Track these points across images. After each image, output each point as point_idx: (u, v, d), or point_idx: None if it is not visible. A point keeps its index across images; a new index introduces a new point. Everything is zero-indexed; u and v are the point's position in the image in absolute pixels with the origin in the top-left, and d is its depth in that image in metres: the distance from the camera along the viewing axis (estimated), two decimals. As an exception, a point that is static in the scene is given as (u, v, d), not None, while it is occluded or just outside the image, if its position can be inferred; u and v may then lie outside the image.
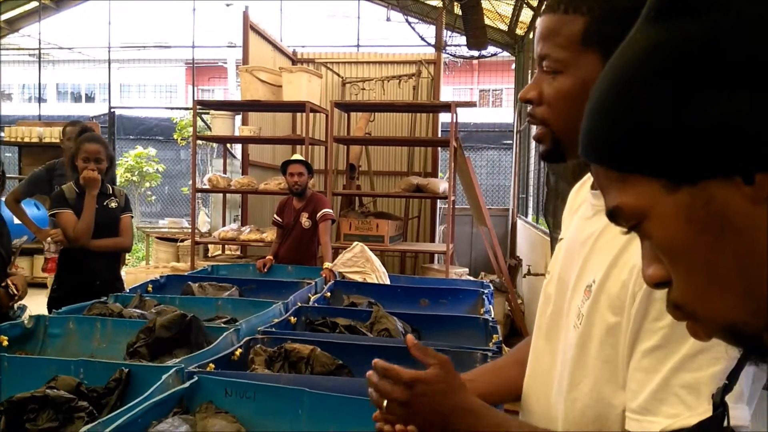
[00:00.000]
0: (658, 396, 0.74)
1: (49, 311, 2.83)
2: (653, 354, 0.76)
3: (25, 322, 2.26)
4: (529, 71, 7.77)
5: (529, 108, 0.94)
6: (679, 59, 0.46)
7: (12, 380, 1.68)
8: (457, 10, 5.91)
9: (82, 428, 1.35)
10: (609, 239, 0.86)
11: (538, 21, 0.92)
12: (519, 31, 7.78)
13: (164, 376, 1.62)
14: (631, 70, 0.49)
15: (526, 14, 7.07)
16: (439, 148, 7.61)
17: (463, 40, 6.20)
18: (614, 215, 0.53)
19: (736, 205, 0.45)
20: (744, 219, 0.45)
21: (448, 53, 6.83)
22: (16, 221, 4.35)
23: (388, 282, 3.80)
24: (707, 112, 0.44)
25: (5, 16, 9.99)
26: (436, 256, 6.72)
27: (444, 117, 7.28)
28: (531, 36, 7.04)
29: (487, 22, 5.87)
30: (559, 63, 0.87)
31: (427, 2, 7.81)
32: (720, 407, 0.57)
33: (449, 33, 6.78)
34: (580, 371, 0.87)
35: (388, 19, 9.36)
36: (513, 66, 9.76)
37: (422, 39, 6.62)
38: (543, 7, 0.93)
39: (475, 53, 6.29)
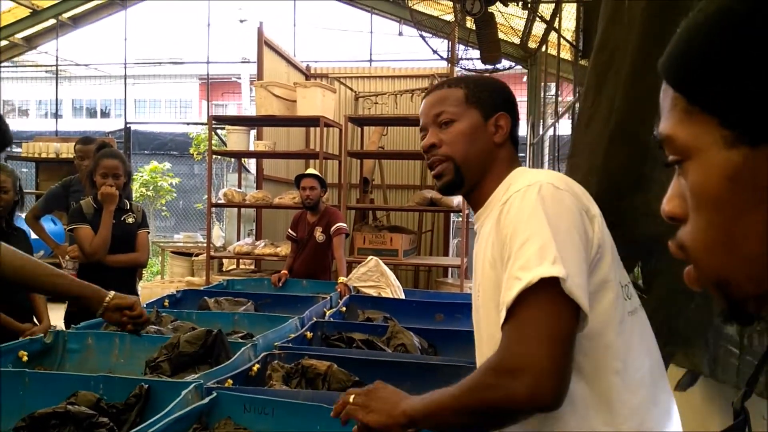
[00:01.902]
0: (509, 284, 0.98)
1: (67, 326, 2.85)
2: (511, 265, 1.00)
3: (45, 337, 2.28)
4: (542, 83, 7.78)
5: (429, 153, 1.25)
6: None
7: (33, 396, 1.69)
8: (470, 25, 5.93)
9: (103, 444, 1.35)
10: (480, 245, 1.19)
11: (425, 99, 1.29)
12: (531, 44, 7.79)
13: (183, 392, 1.63)
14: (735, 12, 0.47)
15: (538, 28, 7.08)
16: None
17: (476, 53, 6.21)
18: (662, 142, 0.53)
19: None
20: None
21: (461, 67, 6.85)
22: (33, 236, 4.42)
23: (402, 296, 3.79)
24: None
25: (24, 34, 10.16)
26: (450, 270, 6.70)
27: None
28: (543, 49, 7.05)
29: (500, 36, 5.88)
30: (453, 114, 1.23)
31: (440, 17, 7.85)
32: (741, 414, 0.57)
33: (462, 47, 6.81)
34: (478, 328, 1.20)
35: (400, 34, 9.41)
36: (525, 79, 9.77)
37: (435, 53, 6.65)
38: (427, 92, 1.31)
39: (489, 67, 6.30)
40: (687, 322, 1.62)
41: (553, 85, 6.88)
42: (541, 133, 7.75)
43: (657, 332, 1.14)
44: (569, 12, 5.45)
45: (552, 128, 6.67)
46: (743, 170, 0.46)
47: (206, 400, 1.64)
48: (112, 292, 1.68)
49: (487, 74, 5.82)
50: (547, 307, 0.89)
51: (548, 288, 0.90)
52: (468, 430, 1.03)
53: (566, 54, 6.30)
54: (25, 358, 2.09)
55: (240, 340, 2.39)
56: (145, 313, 1.80)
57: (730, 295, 0.50)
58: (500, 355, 0.92)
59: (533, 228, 0.96)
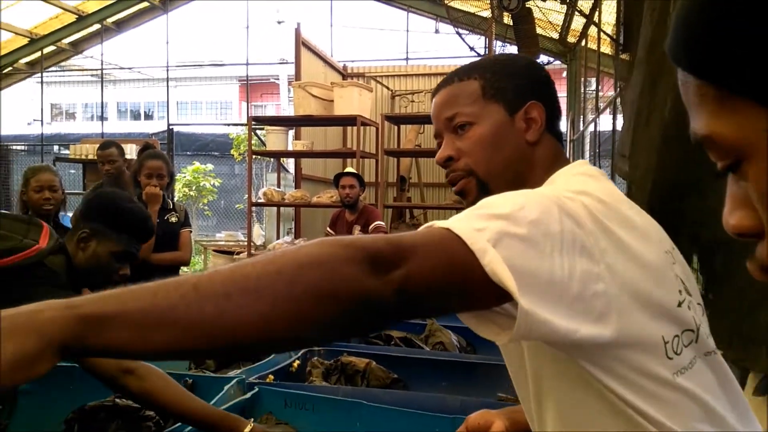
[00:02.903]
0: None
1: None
2: None
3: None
4: (582, 79, 7.66)
5: (446, 167, 1.00)
6: None
7: (83, 389, 1.75)
8: (508, 20, 5.89)
9: (149, 437, 1.39)
10: None
11: (434, 99, 1.03)
12: (570, 39, 7.69)
13: (226, 387, 1.67)
14: None
15: (578, 22, 6.98)
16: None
17: (514, 50, 6.17)
18: (704, 144, 0.42)
19: None
20: None
21: (498, 64, 6.80)
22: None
23: (441, 294, 3.79)
24: None
25: (70, 39, 10.46)
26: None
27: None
28: (582, 44, 6.95)
29: (538, 31, 5.82)
30: (470, 116, 0.96)
31: (477, 13, 7.81)
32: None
33: (500, 43, 6.76)
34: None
35: (437, 31, 9.39)
36: (564, 74, 9.64)
37: (472, 50, 6.62)
38: (434, 90, 1.04)
39: (527, 63, 6.24)
40: (755, 326, 1.57)
41: (593, 80, 6.78)
42: (581, 129, 7.64)
43: (723, 338, 1.02)
44: (609, 5, 5.36)
45: (593, 124, 6.57)
46: None
47: (248, 395, 1.67)
48: (250, 425, 1.50)
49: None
50: (446, 241, 0.65)
51: (457, 237, 0.64)
52: None
53: (606, 48, 6.19)
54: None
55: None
56: None
57: None
58: (367, 241, 0.62)
59: (498, 201, 0.71)
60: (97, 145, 8.87)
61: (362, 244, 0.59)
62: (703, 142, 0.41)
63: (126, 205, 1.82)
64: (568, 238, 0.68)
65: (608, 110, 5.51)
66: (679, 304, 0.79)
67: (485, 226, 0.65)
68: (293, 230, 6.93)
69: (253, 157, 6.28)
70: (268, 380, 1.83)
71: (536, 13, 5.61)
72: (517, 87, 0.97)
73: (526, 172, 0.95)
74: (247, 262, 0.57)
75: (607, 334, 0.70)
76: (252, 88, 12.08)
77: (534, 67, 1.02)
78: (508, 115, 0.96)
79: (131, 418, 1.62)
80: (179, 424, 1.47)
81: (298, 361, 2.05)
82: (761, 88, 0.36)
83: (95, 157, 8.64)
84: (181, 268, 4.03)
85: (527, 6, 5.25)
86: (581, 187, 0.78)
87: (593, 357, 0.73)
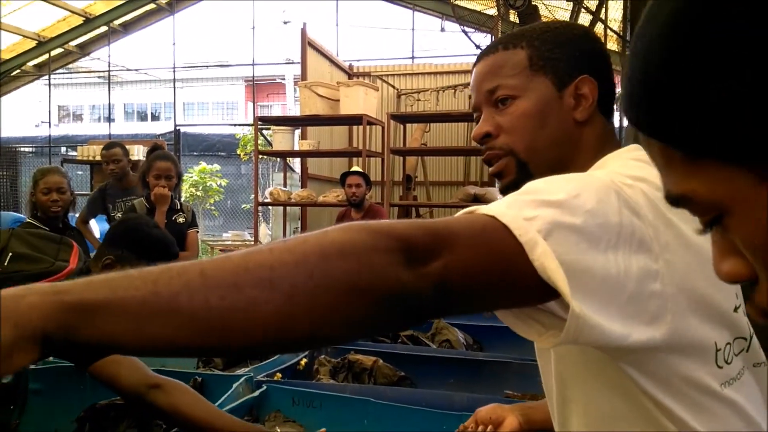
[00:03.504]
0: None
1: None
2: None
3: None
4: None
5: (483, 144, 0.91)
6: None
7: (93, 389, 1.76)
8: (514, 18, 5.88)
9: (159, 435, 1.41)
10: None
11: (476, 68, 0.92)
12: (576, 37, 7.67)
13: (234, 385, 1.68)
14: (703, 13, 0.35)
15: (584, 19, 6.97)
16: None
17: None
18: (680, 203, 0.40)
19: None
20: None
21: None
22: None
23: (448, 293, 3.80)
24: None
25: (77, 41, 10.52)
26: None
27: (501, 126, 7.22)
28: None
29: (543, 29, 5.83)
30: (514, 89, 0.87)
31: (483, 11, 7.80)
32: None
33: (505, 41, 6.75)
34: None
35: (442, 30, 9.38)
36: (571, 72, 9.62)
37: (478, 48, 6.62)
38: (477, 58, 0.94)
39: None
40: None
41: (599, 78, 6.76)
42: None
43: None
44: (615, 2, 5.35)
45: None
46: None
47: (256, 393, 1.68)
48: None
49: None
50: (490, 231, 0.57)
51: (502, 225, 0.57)
52: None
53: (613, 45, 6.18)
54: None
55: (288, 336, 2.43)
56: None
57: None
58: (400, 227, 0.55)
59: (553, 186, 0.63)
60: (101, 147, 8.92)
61: (396, 231, 0.51)
62: (679, 201, 0.40)
63: (150, 231, 1.82)
64: (626, 231, 0.62)
65: (615, 106, 5.50)
66: (735, 309, 0.73)
67: (535, 215, 0.57)
68: (299, 230, 6.95)
69: (260, 157, 6.30)
70: (275, 378, 1.84)
71: (542, 11, 5.61)
72: (569, 59, 0.86)
73: (571, 154, 0.86)
74: (262, 248, 0.50)
75: (659, 336, 0.64)
76: (258, 88, 12.11)
77: (589, 38, 0.91)
78: (556, 90, 0.86)
79: (142, 417, 1.63)
80: (188, 422, 1.48)
81: (305, 360, 2.06)
82: (727, 148, 0.35)
83: (101, 160, 8.69)
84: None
85: (533, 3, 5.24)
86: (639, 173, 0.69)
87: (637, 360, 0.66)
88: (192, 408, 1.46)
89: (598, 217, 0.60)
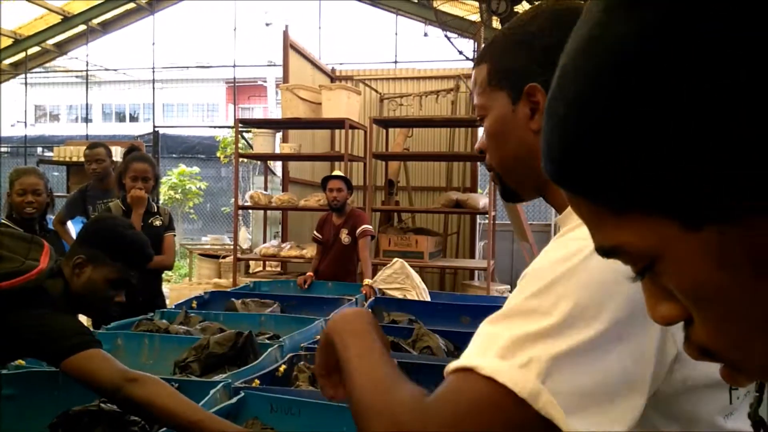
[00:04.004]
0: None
1: (96, 327, 2.90)
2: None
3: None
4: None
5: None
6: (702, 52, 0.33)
7: (67, 394, 1.72)
8: (496, 24, 5.91)
9: (134, 443, 1.37)
10: None
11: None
12: (557, 45, 7.74)
13: (212, 392, 1.65)
14: (625, 66, 0.35)
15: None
16: (479, 163, 7.59)
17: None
18: (612, 254, 0.41)
19: None
20: None
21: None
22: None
23: (428, 299, 3.79)
24: (744, 129, 0.32)
25: (55, 40, 10.38)
26: (476, 272, 6.68)
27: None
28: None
29: (525, 36, 5.86)
30: (482, 108, 0.88)
31: (466, 17, 7.83)
32: (758, 421, 0.51)
33: (487, 48, 6.78)
34: None
35: (425, 35, 9.40)
36: (551, 79, 9.69)
37: (461, 53, 6.64)
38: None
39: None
40: None
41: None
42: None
43: None
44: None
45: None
46: (731, 248, 0.35)
47: (234, 399, 1.66)
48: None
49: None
50: (487, 399, 0.59)
51: (504, 388, 0.58)
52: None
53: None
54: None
55: (267, 341, 2.41)
56: None
57: None
58: (426, 405, 0.62)
59: (546, 304, 0.62)
60: (82, 148, 8.81)
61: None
62: (611, 253, 0.41)
63: (124, 232, 1.80)
64: (623, 322, 0.60)
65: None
66: None
67: (530, 358, 0.58)
68: (280, 234, 6.91)
69: (240, 159, 6.25)
70: (254, 385, 1.82)
71: (524, 18, 5.64)
72: (523, 65, 0.81)
73: (538, 167, 0.80)
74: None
75: (670, 390, 0.65)
76: (239, 90, 12.05)
77: (558, 25, 0.80)
78: (511, 104, 0.83)
79: (116, 423, 1.60)
80: (165, 427, 1.45)
81: (284, 366, 2.03)
82: (651, 201, 0.37)
83: (79, 159, 8.57)
84: (165, 271, 4.00)
85: (516, 10, 5.27)
86: None
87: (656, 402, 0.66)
88: (168, 401, 1.44)
89: (591, 327, 0.60)
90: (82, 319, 3.11)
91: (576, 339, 0.59)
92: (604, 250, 0.41)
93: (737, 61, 0.33)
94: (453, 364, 0.64)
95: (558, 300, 0.62)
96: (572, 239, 0.67)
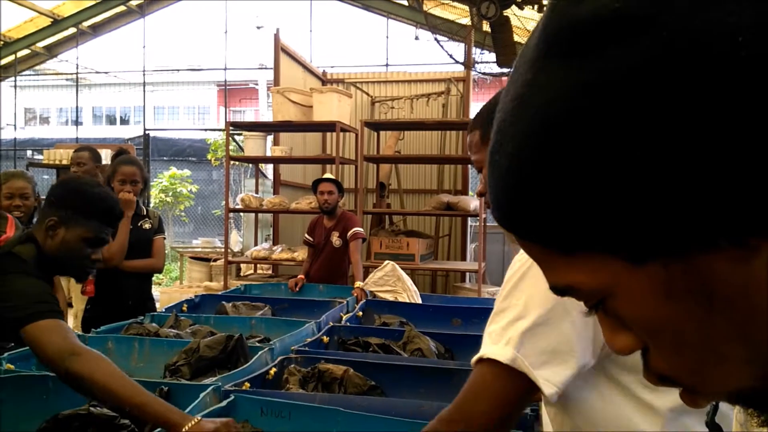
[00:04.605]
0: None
1: (86, 330, 2.89)
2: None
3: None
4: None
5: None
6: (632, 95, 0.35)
7: (56, 398, 1.72)
8: (486, 28, 5.94)
9: (123, 446, 1.37)
10: None
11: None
12: (548, 48, 7.78)
13: (202, 395, 1.65)
14: (559, 121, 0.37)
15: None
16: (470, 166, 7.60)
17: (492, 57, 6.22)
18: (565, 293, 0.43)
19: (724, 272, 0.36)
20: (736, 285, 0.36)
21: (477, 71, 6.85)
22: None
23: (419, 301, 3.80)
24: (680, 168, 0.34)
25: (45, 43, 10.33)
26: (467, 274, 6.69)
27: (473, 134, 7.27)
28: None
29: (516, 39, 5.88)
30: (478, 162, 1.28)
31: (456, 21, 7.86)
32: (714, 427, 0.54)
33: (479, 50, 6.81)
34: None
35: (416, 38, 9.43)
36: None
37: (451, 57, 6.65)
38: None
39: (506, 70, 6.30)
40: None
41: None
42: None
43: None
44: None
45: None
46: (675, 281, 0.37)
47: (224, 402, 1.66)
48: (195, 420, 1.48)
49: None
50: (489, 377, 0.95)
51: (496, 362, 0.94)
52: None
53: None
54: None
55: (258, 344, 2.41)
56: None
57: (752, 400, 0.41)
58: (451, 407, 1.01)
59: (513, 301, 0.96)
60: (72, 151, 8.78)
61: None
62: (564, 291, 0.43)
63: (93, 190, 1.81)
64: (563, 301, 0.87)
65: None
66: None
67: (509, 338, 0.93)
68: (271, 237, 6.90)
69: (231, 162, 6.24)
70: (244, 388, 1.82)
71: (514, 21, 5.67)
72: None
73: None
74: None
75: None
76: (230, 93, 12.03)
77: None
78: None
79: (106, 427, 1.60)
80: (156, 430, 1.45)
81: (274, 369, 2.04)
82: (595, 241, 0.38)
83: (69, 163, 8.53)
84: (155, 275, 3.99)
85: (505, 14, 5.30)
86: None
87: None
88: (109, 380, 1.45)
89: (546, 306, 0.92)
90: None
91: (532, 319, 0.92)
92: (558, 290, 0.43)
93: (657, 110, 0.34)
94: (475, 357, 0.98)
95: (519, 297, 0.95)
96: (522, 252, 0.91)
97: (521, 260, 0.98)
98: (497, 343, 0.94)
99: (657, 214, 0.35)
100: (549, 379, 0.91)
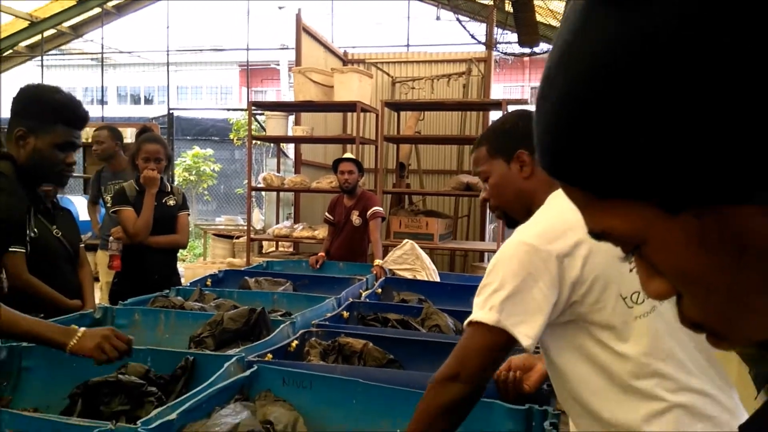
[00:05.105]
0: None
1: (113, 303, 2.97)
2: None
3: (94, 312, 2.40)
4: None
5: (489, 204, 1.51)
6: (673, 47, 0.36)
7: (86, 366, 1.79)
8: (509, 8, 5.88)
9: (152, 411, 1.44)
10: None
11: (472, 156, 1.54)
12: (571, 28, 7.66)
13: (226, 365, 1.71)
14: (609, 65, 0.39)
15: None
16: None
17: (514, 37, 6.16)
18: (601, 237, 0.45)
19: (757, 225, 0.38)
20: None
21: (498, 51, 6.80)
22: (83, 218, 4.91)
23: (437, 279, 3.83)
24: (718, 125, 0.36)
25: (70, 22, 10.43)
26: (486, 254, 6.71)
27: (494, 115, 7.25)
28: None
29: (538, 18, 5.82)
30: (485, 173, 1.46)
31: (478, 1, 7.79)
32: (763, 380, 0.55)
33: (500, 30, 6.74)
34: None
35: (438, 18, 9.36)
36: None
37: (473, 37, 6.60)
38: (471, 152, 1.56)
39: (527, 50, 6.24)
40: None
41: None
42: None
43: None
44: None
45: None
46: (709, 232, 0.39)
47: (247, 372, 1.71)
48: (82, 331, 1.59)
49: (527, 55, 5.74)
50: (478, 336, 1.21)
51: (483, 324, 1.20)
52: None
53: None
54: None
55: (279, 318, 2.47)
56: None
57: None
58: (450, 360, 1.24)
59: (494, 277, 1.21)
60: (97, 129, 8.92)
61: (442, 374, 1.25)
62: (600, 236, 0.45)
63: (53, 95, 1.83)
64: (536, 270, 1.18)
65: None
66: (631, 270, 1.19)
67: (491, 304, 1.19)
68: (293, 215, 6.97)
69: (253, 142, 6.30)
70: (266, 359, 1.87)
71: (536, 1, 5.61)
72: (509, 142, 1.42)
73: (530, 198, 1.38)
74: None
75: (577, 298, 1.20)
76: (252, 73, 12.06)
77: (520, 123, 1.43)
78: (506, 164, 1.42)
79: (134, 394, 1.66)
80: (181, 398, 1.51)
81: (296, 341, 2.09)
82: (633, 189, 0.40)
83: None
84: (179, 250, 4.07)
85: (528, -7, 5.24)
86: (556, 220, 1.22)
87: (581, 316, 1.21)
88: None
89: (519, 277, 1.19)
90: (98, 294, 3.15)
91: (509, 289, 1.19)
92: (595, 234, 0.45)
93: (697, 62, 0.36)
94: (467, 320, 1.24)
95: (497, 274, 1.22)
96: (506, 243, 1.25)
97: (502, 248, 1.24)
98: (483, 309, 1.20)
99: (697, 162, 0.37)
100: (526, 333, 1.17)
